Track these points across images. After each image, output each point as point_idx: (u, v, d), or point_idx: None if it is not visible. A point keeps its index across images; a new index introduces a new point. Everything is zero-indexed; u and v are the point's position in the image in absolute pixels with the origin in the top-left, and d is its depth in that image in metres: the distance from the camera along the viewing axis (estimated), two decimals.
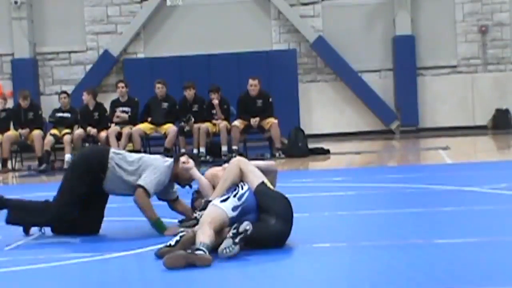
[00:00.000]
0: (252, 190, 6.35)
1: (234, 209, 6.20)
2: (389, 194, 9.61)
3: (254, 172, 6.50)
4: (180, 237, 6.03)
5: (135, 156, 7.32)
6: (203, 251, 5.70)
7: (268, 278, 5.34)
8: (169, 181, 7.26)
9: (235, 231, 5.86)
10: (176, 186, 7.44)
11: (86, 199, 7.12)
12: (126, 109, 15.95)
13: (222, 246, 5.84)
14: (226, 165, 6.98)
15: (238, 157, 6.83)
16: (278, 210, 6.22)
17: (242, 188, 6.35)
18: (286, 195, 6.41)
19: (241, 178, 6.52)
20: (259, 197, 6.30)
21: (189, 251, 5.72)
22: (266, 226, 6.15)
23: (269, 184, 6.43)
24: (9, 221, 7.15)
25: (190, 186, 7.41)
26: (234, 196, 6.27)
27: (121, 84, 16.18)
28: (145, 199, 7.00)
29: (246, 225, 5.87)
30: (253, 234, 5.95)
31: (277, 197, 6.32)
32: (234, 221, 6.15)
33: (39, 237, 7.22)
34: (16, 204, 7.18)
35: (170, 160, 7.30)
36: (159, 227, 7.02)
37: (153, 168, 7.13)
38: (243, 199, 6.26)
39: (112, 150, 7.35)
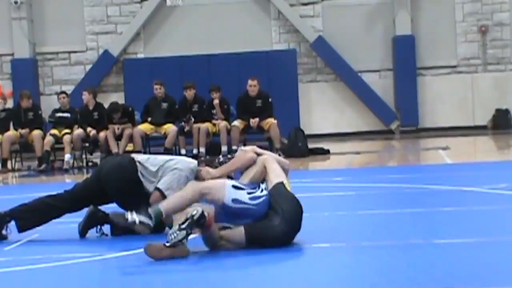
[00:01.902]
0: (269, 188, 6.30)
1: (235, 201, 6.12)
2: (389, 194, 9.61)
3: (276, 171, 6.45)
4: (174, 244, 5.87)
5: (159, 160, 7.25)
6: (182, 242, 5.83)
7: (268, 278, 5.34)
8: None
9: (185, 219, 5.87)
10: None
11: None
12: (123, 119, 15.88)
13: (169, 232, 5.91)
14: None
15: (265, 156, 6.68)
16: (286, 211, 6.16)
17: (261, 192, 6.28)
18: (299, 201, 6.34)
19: (264, 175, 6.48)
20: (272, 195, 6.24)
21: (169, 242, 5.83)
22: (269, 226, 6.11)
23: (288, 187, 6.37)
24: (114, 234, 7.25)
25: None
26: (249, 193, 6.20)
27: (118, 114, 15.72)
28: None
29: (194, 211, 5.85)
30: (254, 232, 6.00)
31: (289, 199, 6.26)
32: (228, 211, 6.13)
33: (39, 237, 7.22)
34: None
35: (194, 162, 7.24)
36: None
37: (175, 172, 7.08)
38: (254, 202, 6.16)
39: (136, 159, 7.30)
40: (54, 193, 7.35)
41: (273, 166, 6.51)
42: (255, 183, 6.41)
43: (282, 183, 6.36)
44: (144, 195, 7.12)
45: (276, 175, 6.41)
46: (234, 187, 6.22)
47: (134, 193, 7.16)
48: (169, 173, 7.07)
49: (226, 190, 6.15)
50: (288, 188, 6.37)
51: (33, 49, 21.77)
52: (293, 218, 6.20)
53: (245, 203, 6.14)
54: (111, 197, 7.26)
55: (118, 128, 15.55)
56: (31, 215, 7.13)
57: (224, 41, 21.28)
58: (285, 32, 21.61)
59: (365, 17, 21.54)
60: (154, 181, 7.12)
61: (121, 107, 16.09)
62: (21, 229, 7.13)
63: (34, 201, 7.27)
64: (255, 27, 21.52)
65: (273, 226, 6.12)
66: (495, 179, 10.15)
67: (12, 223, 7.13)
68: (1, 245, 6.90)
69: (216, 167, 6.97)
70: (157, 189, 7.01)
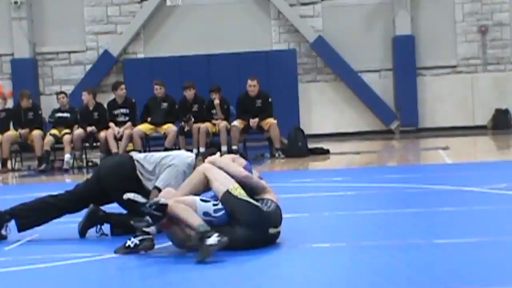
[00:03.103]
0: (219, 199, 6.22)
1: (205, 214, 6.13)
2: (389, 194, 9.61)
3: (220, 180, 6.30)
4: (140, 241, 6.14)
5: (156, 157, 7.25)
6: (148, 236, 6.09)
7: (268, 278, 5.34)
8: None
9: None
10: None
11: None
12: (124, 110, 15.91)
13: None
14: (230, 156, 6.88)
15: (205, 164, 6.54)
16: (243, 217, 6.12)
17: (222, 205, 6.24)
18: (253, 200, 6.24)
19: (207, 185, 6.35)
20: (225, 206, 6.18)
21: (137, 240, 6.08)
22: (231, 231, 6.08)
23: (235, 191, 6.21)
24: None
25: None
26: (214, 205, 6.18)
27: (122, 86, 16.05)
28: None
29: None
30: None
31: (241, 205, 6.16)
32: None
33: (39, 237, 7.22)
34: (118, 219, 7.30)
35: (192, 156, 7.24)
36: None
37: (171, 168, 7.09)
38: (217, 214, 6.14)
39: (134, 158, 7.30)
40: (54, 193, 7.36)
41: (215, 175, 6.34)
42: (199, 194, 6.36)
43: (227, 191, 6.21)
44: (144, 194, 7.12)
45: (220, 183, 6.27)
46: (202, 200, 6.22)
47: (134, 191, 7.15)
48: (166, 170, 7.08)
49: (197, 204, 6.16)
50: (236, 193, 6.21)
51: (33, 49, 21.77)
52: (252, 223, 6.14)
53: (211, 215, 6.13)
54: (111, 197, 7.27)
55: (118, 132, 15.54)
56: (31, 214, 7.13)
57: (224, 41, 21.28)
58: (285, 32, 21.61)
59: (365, 17, 21.54)
60: (152, 179, 7.13)
61: (124, 83, 16.37)
62: (21, 229, 7.13)
63: (34, 200, 7.27)
64: (255, 27, 21.52)
65: (234, 232, 6.09)
66: (495, 179, 10.14)
67: (12, 222, 7.14)
68: (1, 245, 6.90)
69: (213, 153, 6.89)
70: (155, 188, 7.02)
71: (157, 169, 7.14)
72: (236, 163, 6.63)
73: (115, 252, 6.23)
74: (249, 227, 6.12)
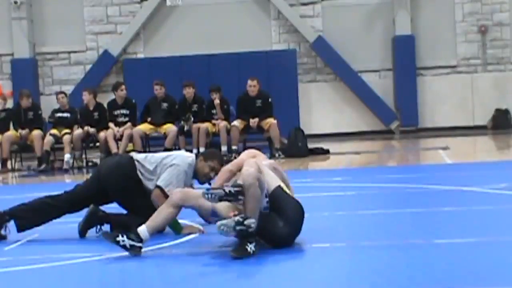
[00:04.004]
0: (268, 192, 6.23)
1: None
2: (389, 194, 9.61)
3: (271, 175, 6.39)
4: (130, 246, 6.13)
5: (156, 157, 7.26)
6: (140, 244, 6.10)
7: (268, 278, 5.34)
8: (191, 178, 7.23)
9: (241, 220, 5.85)
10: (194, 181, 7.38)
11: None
12: (124, 111, 15.91)
13: (222, 222, 5.88)
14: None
15: (253, 160, 6.50)
16: (289, 215, 6.17)
17: (267, 203, 6.23)
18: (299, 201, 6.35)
19: None
20: (273, 199, 6.21)
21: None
22: (274, 225, 6.12)
23: (285, 189, 6.34)
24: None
25: (209, 183, 7.32)
26: (267, 202, 6.18)
27: (123, 87, 16.02)
28: (162, 200, 6.96)
29: (252, 223, 5.85)
30: (259, 228, 5.97)
31: (290, 202, 6.25)
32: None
33: (39, 237, 7.23)
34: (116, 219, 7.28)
35: (193, 156, 7.25)
36: (175, 227, 7.03)
37: (173, 168, 7.10)
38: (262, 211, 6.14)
39: (134, 158, 7.31)
40: (54, 193, 7.36)
41: (265, 169, 6.40)
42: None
43: (279, 186, 6.31)
44: (144, 194, 7.13)
45: (271, 178, 6.35)
46: None
47: (134, 191, 7.17)
48: (168, 170, 7.09)
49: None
50: (285, 190, 6.32)
51: (33, 49, 21.77)
52: (296, 222, 6.22)
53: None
54: (111, 197, 7.27)
55: (118, 131, 15.55)
56: (31, 215, 7.13)
57: (224, 41, 21.28)
58: (285, 32, 21.61)
59: (365, 17, 21.54)
60: (153, 179, 7.14)
61: (124, 84, 16.38)
62: (20, 229, 7.13)
63: (34, 201, 7.27)
64: (255, 27, 21.53)
65: (277, 227, 6.13)
66: (495, 179, 10.14)
67: (11, 222, 7.14)
68: (1, 245, 6.90)
69: (214, 153, 7.04)
70: (157, 186, 7.03)
71: (158, 169, 7.16)
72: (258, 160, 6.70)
73: (102, 235, 6.14)
74: (292, 225, 6.16)
